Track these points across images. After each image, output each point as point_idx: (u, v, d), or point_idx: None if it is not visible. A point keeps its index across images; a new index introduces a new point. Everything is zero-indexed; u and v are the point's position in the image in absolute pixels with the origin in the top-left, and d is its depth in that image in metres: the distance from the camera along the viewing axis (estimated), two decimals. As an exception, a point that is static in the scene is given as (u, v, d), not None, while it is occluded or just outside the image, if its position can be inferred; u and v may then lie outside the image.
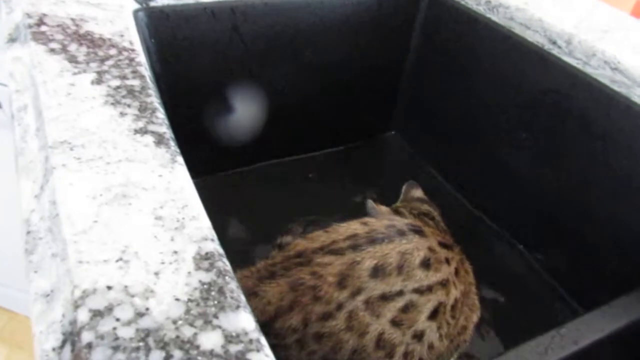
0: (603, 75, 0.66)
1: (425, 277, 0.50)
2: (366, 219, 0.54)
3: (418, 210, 0.69)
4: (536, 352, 0.49)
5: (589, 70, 0.68)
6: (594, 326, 0.52)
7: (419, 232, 0.53)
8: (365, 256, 0.49)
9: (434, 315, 0.50)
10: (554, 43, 0.71)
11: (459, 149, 0.91)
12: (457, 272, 0.55)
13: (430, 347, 0.51)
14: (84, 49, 0.53)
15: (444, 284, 0.52)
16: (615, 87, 0.65)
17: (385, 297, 0.48)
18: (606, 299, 0.55)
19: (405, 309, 0.48)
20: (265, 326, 0.45)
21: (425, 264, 0.51)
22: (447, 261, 0.53)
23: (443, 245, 0.55)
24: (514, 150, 0.80)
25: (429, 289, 0.50)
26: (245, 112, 0.84)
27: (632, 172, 0.65)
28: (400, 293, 0.48)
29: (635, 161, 0.64)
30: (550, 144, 0.74)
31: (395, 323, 0.48)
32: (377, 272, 0.48)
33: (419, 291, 0.49)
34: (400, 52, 0.92)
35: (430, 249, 0.52)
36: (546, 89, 0.72)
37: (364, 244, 0.50)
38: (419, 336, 0.49)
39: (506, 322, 0.73)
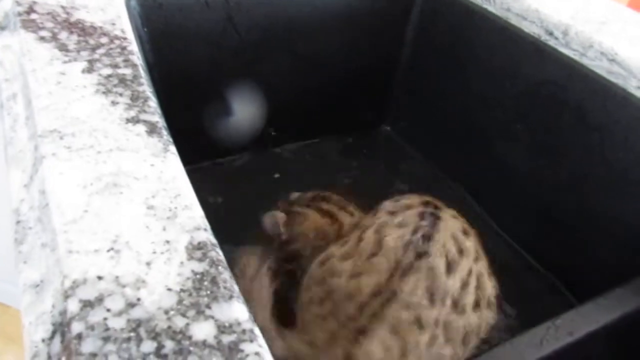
0: (600, 67, 0.66)
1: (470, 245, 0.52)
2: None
3: (309, 199, 0.64)
4: (531, 344, 0.49)
5: (585, 61, 0.67)
6: (589, 318, 0.52)
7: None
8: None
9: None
10: (551, 34, 0.71)
11: (455, 142, 0.90)
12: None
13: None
14: (74, 37, 0.52)
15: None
16: (612, 79, 0.65)
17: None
18: (601, 291, 0.55)
19: None
20: None
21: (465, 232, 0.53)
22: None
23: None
24: (509, 143, 0.79)
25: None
26: (238, 102, 0.83)
27: (628, 164, 0.64)
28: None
29: (631, 153, 0.64)
30: (547, 136, 0.74)
31: None
32: None
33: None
34: (396, 44, 0.92)
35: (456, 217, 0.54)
36: (542, 80, 0.72)
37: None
38: None
39: (500, 314, 0.73)
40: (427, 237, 0.48)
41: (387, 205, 0.54)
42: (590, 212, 0.70)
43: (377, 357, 0.41)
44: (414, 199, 0.53)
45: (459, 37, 0.83)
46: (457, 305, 0.46)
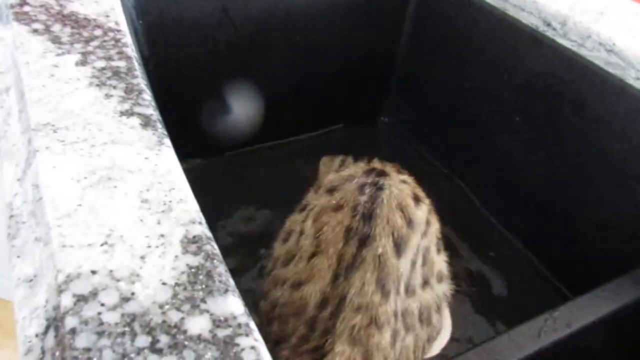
0: (598, 57, 0.65)
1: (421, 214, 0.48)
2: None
3: None
4: (529, 335, 0.49)
5: (583, 52, 0.67)
6: (587, 309, 0.52)
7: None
8: None
9: None
10: (549, 25, 0.70)
11: (453, 134, 0.90)
12: None
13: None
14: (68, 30, 0.52)
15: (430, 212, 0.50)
16: (610, 69, 0.64)
17: None
18: (598, 283, 0.54)
19: None
20: None
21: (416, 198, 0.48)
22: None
23: None
24: (508, 135, 0.79)
25: None
26: (235, 95, 0.82)
27: (626, 155, 0.64)
28: None
29: (629, 144, 0.64)
30: (545, 128, 0.73)
31: None
32: None
33: None
34: (393, 35, 0.91)
35: (405, 181, 0.50)
36: (540, 71, 0.72)
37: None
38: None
39: (497, 308, 0.73)
40: (368, 216, 0.41)
41: (330, 178, 0.47)
42: (588, 204, 0.70)
43: None
44: (356, 168, 0.47)
45: (457, 29, 0.82)
46: (408, 290, 0.41)
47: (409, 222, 0.43)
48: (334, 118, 0.97)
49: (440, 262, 0.46)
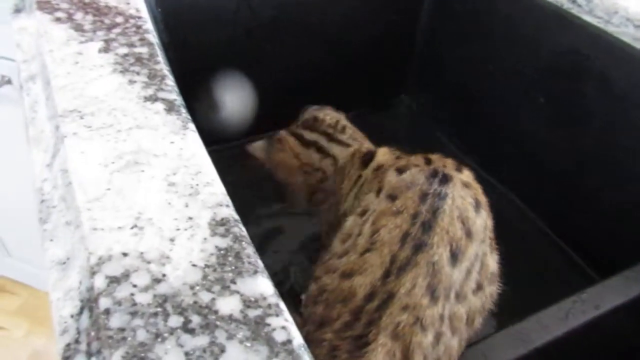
0: (625, 34, 0.64)
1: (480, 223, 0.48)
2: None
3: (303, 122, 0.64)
4: (557, 317, 0.49)
5: (610, 29, 0.65)
6: (616, 291, 0.51)
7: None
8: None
9: None
10: (574, 2, 0.68)
11: (474, 114, 0.89)
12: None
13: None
14: (89, 18, 0.52)
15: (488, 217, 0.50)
16: (638, 46, 0.63)
17: None
18: (626, 266, 0.54)
19: None
20: None
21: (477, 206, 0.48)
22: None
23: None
24: (531, 115, 0.78)
25: None
26: (254, 80, 0.82)
27: (655, 134, 0.63)
28: None
29: (658, 123, 0.62)
30: (570, 107, 0.72)
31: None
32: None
33: None
34: (413, 14, 0.90)
35: (467, 185, 0.48)
36: (565, 50, 0.70)
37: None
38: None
39: (524, 290, 0.72)
40: (428, 226, 0.42)
41: (392, 184, 0.47)
42: (615, 183, 0.68)
43: None
44: (419, 173, 0.47)
45: (479, 6, 0.81)
46: (459, 296, 0.42)
47: (468, 233, 0.44)
48: (354, 102, 0.96)
49: (493, 263, 0.47)
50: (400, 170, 0.48)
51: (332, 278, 0.43)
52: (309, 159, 0.61)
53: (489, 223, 0.47)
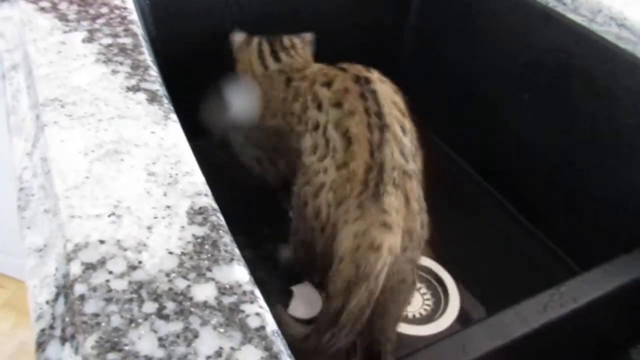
0: (609, 32, 0.64)
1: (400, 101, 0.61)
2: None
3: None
4: (535, 310, 0.49)
5: (594, 27, 0.66)
6: (594, 284, 0.52)
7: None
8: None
9: None
10: (559, 0, 0.69)
11: (461, 112, 0.89)
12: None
13: None
14: (74, 7, 0.52)
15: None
16: (622, 44, 0.63)
17: None
18: (606, 259, 0.54)
19: None
20: None
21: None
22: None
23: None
24: (517, 112, 0.78)
25: None
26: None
27: (638, 130, 0.63)
28: None
29: (640, 120, 0.63)
30: (555, 105, 0.73)
31: None
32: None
33: None
34: (402, 12, 0.90)
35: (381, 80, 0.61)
36: (550, 47, 0.71)
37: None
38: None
39: (505, 283, 0.73)
40: (378, 114, 0.56)
41: (324, 92, 0.60)
42: (598, 180, 0.69)
43: (395, 205, 0.52)
44: (346, 81, 0.59)
45: (466, 4, 0.81)
46: (413, 158, 0.57)
47: (403, 112, 0.59)
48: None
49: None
50: (327, 84, 0.60)
51: (328, 173, 0.55)
52: (256, 68, 0.71)
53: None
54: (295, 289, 0.69)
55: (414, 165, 0.56)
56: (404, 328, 0.67)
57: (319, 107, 0.59)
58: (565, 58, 0.69)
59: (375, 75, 0.61)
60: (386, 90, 0.59)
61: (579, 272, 0.73)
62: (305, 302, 0.68)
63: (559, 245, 0.77)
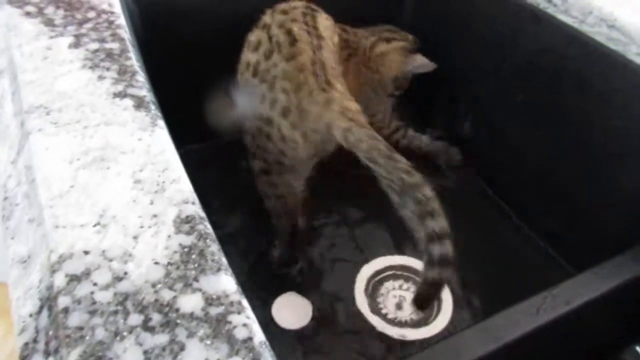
0: (599, 33, 0.64)
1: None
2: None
3: None
4: (528, 313, 0.49)
5: (585, 28, 0.66)
6: (587, 287, 0.52)
7: None
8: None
9: None
10: (550, 1, 0.69)
11: (453, 113, 0.89)
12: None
13: None
14: (61, 12, 0.51)
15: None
16: (612, 45, 0.63)
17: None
18: (599, 260, 0.54)
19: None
20: None
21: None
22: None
23: None
24: (509, 113, 0.78)
25: None
26: (234, 79, 0.82)
27: (629, 132, 0.63)
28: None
29: (632, 121, 0.63)
30: (546, 106, 0.73)
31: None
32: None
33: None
34: (395, 13, 0.90)
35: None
36: (541, 48, 0.71)
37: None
38: None
39: (498, 285, 0.73)
40: (315, 28, 0.66)
41: (282, 8, 0.69)
42: (589, 181, 0.69)
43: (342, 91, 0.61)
44: (294, 13, 0.67)
45: (458, 6, 0.81)
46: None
47: (333, 41, 0.69)
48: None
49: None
50: (283, 12, 0.68)
51: (278, 67, 0.62)
52: None
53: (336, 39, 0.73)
54: (281, 299, 0.69)
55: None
56: (398, 332, 0.66)
57: (271, 14, 0.69)
58: (556, 59, 0.69)
59: (321, 12, 0.70)
60: (326, 22, 0.69)
61: (572, 272, 0.73)
62: (292, 311, 0.68)
63: (552, 246, 0.77)
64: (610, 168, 0.66)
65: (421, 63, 0.81)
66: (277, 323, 0.66)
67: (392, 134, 0.86)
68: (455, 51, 0.84)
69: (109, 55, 0.47)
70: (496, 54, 0.77)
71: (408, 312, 0.69)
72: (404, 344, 0.65)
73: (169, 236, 0.32)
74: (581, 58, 0.66)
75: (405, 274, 0.74)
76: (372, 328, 0.67)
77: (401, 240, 0.78)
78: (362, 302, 0.69)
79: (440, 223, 0.56)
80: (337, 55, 0.68)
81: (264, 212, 0.71)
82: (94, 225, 0.32)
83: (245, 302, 0.30)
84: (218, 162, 0.84)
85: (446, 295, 0.70)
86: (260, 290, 0.70)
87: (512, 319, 0.48)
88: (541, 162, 0.75)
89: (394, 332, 0.66)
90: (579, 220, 0.72)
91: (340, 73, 0.66)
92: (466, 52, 0.82)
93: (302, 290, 0.70)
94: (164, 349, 0.27)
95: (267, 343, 0.28)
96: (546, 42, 0.70)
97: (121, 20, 0.52)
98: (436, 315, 0.69)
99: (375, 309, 0.69)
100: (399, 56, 0.81)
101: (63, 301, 0.28)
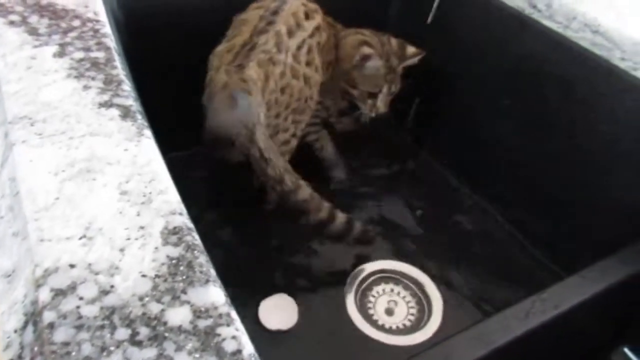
0: (584, 39, 0.65)
1: (309, 25, 0.73)
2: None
3: None
4: (517, 317, 0.49)
5: (569, 33, 0.67)
6: (575, 290, 0.52)
7: None
8: (277, 26, 0.70)
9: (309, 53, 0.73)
10: (534, 7, 0.70)
11: (441, 118, 0.89)
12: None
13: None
14: (45, 21, 0.51)
15: (317, 28, 0.75)
16: (596, 50, 0.64)
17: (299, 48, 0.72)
18: (587, 263, 0.55)
19: (308, 52, 0.73)
20: None
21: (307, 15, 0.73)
22: (317, 11, 0.75)
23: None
24: (496, 117, 0.79)
25: (312, 36, 0.73)
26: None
27: (614, 136, 0.64)
28: (303, 42, 0.72)
29: (616, 125, 0.63)
30: (533, 111, 0.73)
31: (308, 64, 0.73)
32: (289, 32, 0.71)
33: (310, 36, 0.73)
34: (380, 20, 0.90)
35: (304, 4, 0.74)
36: (527, 54, 0.71)
37: (267, 17, 0.71)
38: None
39: (487, 290, 0.73)
40: (274, 13, 0.70)
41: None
42: (576, 185, 0.70)
43: (254, 77, 0.65)
44: None
45: (443, 13, 0.82)
46: (295, 59, 0.71)
47: (298, 25, 0.72)
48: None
49: (317, 59, 0.75)
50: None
51: (223, 48, 0.69)
52: None
53: (320, 33, 0.75)
54: (267, 301, 0.69)
55: (288, 59, 0.70)
56: (390, 339, 0.66)
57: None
58: (542, 64, 0.70)
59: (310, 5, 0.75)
60: (297, 7, 0.72)
61: (561, 275, 0.74)
62: (279, 313, 0.68)
63: (541, 249, 0.77)
64: (597, 172, 0.67)
65: (368, 53, 0.76)
66: (264, 324, 0.66)
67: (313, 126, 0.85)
68: (442, 57, 0.85)
69: (95, 64, 0.46)
70: (484, 60, 0.78)
71: (398, 317, 0.69)
72: (394, 349, 0.65)
73: (157, 248, 0.32)
74: (566, 63, 0.67)
75: (396, 277, 0.74)
76: (360, 333, 0.67)
77: (393, 244, 0.78)
78: (351, 306, 0.69)
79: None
80: (296, 44, 0.71)
81: (247, 216, 0.71)
82: (80, 238, 0.32)
83: (234, 314, 0.30)
84: (202, 169, 0.83)
85: (436, 302, 0.70)
86: (247, 291, 0.69)
87: (502, 324, 0.49)
88: (530, 165, 0.76)
89: (383, 337, 0.66)
90: (567, 224, 0.72)
91: (287, 63, 0.69)
92: (453, 57, 0.83)
93: (290, 292, 0.70)
94: (151, 364, 0.27)
95: (257, 355, 0.28)
96: (532, 47, 0.70)
97: (107, 28, 0.52)
98: (427, 321, 0.69)
99: (365, 314, 0.69)
100: (352, 47, 0.78)
101: (48, 316, 0.28)
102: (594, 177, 0.68)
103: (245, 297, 0.68)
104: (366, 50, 0.76)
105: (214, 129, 0.66)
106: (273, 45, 0.68)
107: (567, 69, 0.67)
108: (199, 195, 0.77)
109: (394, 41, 0.80)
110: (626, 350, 0.66)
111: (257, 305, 0.68)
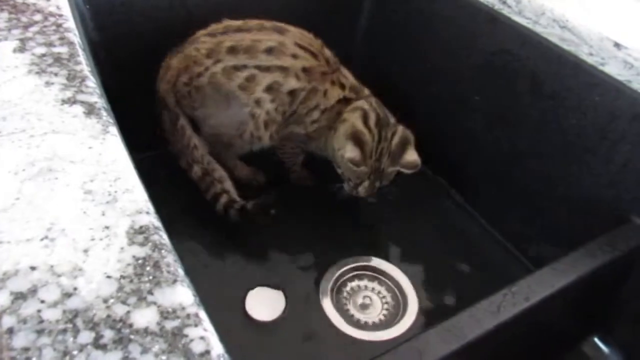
0: (552, 34, 0.66)
1: (267, 59, 0.72)
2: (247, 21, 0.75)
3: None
4: (489, 311, 0.50)
5: (538, 29, 0.67)
6: (544, 283, 0.53)
7: (279, 30, 0.74)
8: (227, 39, 0.72)
9: (269, 89, 0.73)
10: (504, 2, 0.70)
11: (413, 115, 0.90)
12: (310, 73, 0.74)
13: (267, 113, 0.75)
14: (4, 15, 0.49)
15: (283, 69, 0.72)
16: (565, 46, 0.65)
17: (236, 68, 0.71)
18: (557, 256, 0.55)
19: (249, 79, 0.72)
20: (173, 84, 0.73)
21: (269, 51, 0.72)
22: (295, 57, 0.73)
23: (302, 47, 0.74)
24: (468, 112, 0.79)
25: (267, 69, 0.72)
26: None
27: (581, 131, 0.65)
28: (245, 67, 0.72)
29: (584, 120, 0.65)
30: (503, 105, 0.74)
31: (241, 87, 0.72)
32: (233, 50, 0.71)
33: (259, 68, 0.72)
34: (353, 15, 0.90)
35: (282, 44, 0.73)
36: (497, 49, 0.72)
37: (230, 32, 0.72)
38: (258, 102, 0.73)
39: (461, 284, 0.74)
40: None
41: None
42: (545, 179, 0.71)
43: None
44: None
45: (414, 8, 0.82)
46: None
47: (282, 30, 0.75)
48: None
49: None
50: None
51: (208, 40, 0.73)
52: None
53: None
54: (254, 292, 0.68)
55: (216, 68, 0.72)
56: (365, 335, 0.66)
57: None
58: (511, 59, 0.71)
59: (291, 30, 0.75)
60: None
61: (531, 269, 0.75)
62: (265, 304, 0.67)
63: (512, 244, 0.78)
64: (567, 166, 0.68)
65: (351, 157, 0.70)
66: (250, 315, 0.65)
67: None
68: (414, 53, 0.85)
69: (57, 59, 0.45)
70: (454, 56, 0.78)
71: (373, 313, 0.69)
72: (368, 344, 0.65)
73: (122, 248, 0.31)
74: (535, 58, 0.68)
75: (372, 274, 0.74)
76: (336, 329, 0.66)
77: (372, 241, 0.79)
78: (327, 302, 0.69)
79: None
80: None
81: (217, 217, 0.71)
82: (41, 240, 0.31)
83: (202, 314, 0.29)
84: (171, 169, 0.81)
85: (411, 297, 0.71)
86: (233, 283, 0.69)
87: (474, 318, 0.49)
88: (501, 160, 0.77)
89: (357, 333, 0.66)
90: (538, 218, 0.74)
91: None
92: (425, 53, 0.83)
93: (275, 285, 0.70)
94: (116, 368, 0.26)
95: (226, 355, 0.28)
96: (502, 43, 0.71)
97: (70, 23, 0.51)
98: (402, 316, 0.69)
99: (341, 309, 0.69)
100: (344, 134, 0.73)
101: (8, 321, 0.27)
102: (563, 171, 0.69)
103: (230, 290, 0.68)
104: (349, 153, 0.70)
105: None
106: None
107: (537, 64, 0.68)
108: (179, 192, 0.75)
109: (397, 139, 0.73)
110: (596, 340, 0.67)
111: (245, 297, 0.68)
